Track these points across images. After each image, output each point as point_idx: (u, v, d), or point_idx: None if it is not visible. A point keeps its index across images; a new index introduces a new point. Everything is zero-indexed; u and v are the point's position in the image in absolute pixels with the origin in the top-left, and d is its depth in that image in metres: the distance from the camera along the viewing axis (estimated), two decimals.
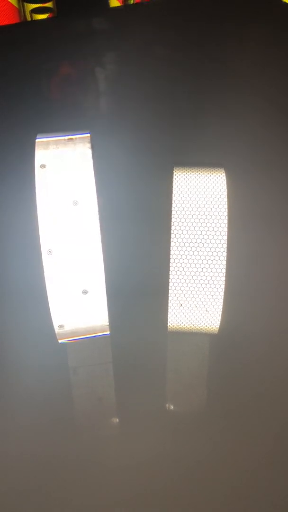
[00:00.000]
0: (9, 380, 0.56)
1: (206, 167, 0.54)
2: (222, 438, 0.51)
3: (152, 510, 0.46)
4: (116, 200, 0.77)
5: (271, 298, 0.65)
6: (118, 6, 1.51)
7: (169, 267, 0.52)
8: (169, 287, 0.52)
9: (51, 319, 0.52)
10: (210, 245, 0.51)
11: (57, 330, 0.53)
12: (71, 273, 0.50)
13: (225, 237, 0.51)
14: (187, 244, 0.51)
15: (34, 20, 1.41)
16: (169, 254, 0.52)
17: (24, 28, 1.38)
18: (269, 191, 0.82)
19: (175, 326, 0.55)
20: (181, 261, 0.51)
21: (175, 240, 0.51)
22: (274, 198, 0.80)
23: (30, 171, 0.50)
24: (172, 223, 0.51)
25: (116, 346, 0.59)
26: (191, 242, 0.51)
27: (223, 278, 0.51)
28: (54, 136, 0.51)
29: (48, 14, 1.41)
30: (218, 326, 0.54)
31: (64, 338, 0.55)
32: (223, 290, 0.52)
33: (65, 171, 0.49)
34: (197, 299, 0.52)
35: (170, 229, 0.51)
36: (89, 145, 0.50)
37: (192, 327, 0.55)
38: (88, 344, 0.57)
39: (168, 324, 0.55)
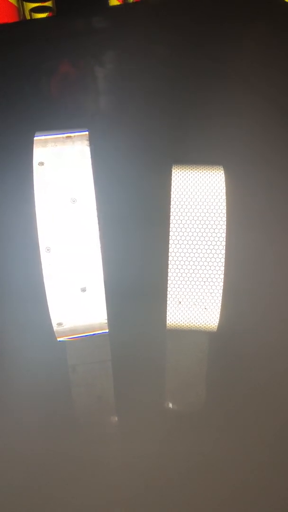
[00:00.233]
0: (8, 379, 0.56)
1: (205, 165, 0.54)
2: (221, 436, 0.51)
3: (151, 509, 0.46)
4: (114, 198, 0.77)
5: (270, 296, 0.65)
6: (117, 5, 1.51)
7: (167, 264, 0.52)
8: (168, 285, 0.52)
9: (49, 317, 0.52)
10: (209, 243, 0.51)
11: (56, 328, 0.53)
12: (70, 271, 0.50)
13: (224, 235, 0.51)
14: (185, 242, 0.51)
15: (34, 19, 1.41)
16: (168, 252, 0.52)
17: (23, 27, 1.38)
18: (268, 189, 0.82)
19: (174, 324, 0.55)
20: (179, 258, 0.51)
21: (173, 238, 0.51)
22: (272, 196, 0.80)
23: (28, 169, 0.50)
24: (170, 221, 0.51)
25: (115, 344, 0.59)
26: (190, 240, 0.51)
27: (222, 276, 0.51)
28: (52, 134, 0.51)
29: (48, 13, 1.40)
30: (217, 324, 0.54)
31: (63, 336, 0.55)
32: (222, 288, 0.52)
33: (63, 168, 0.49)
34: (195, 297, 0.52)
35: (169, 227, 0.51)
36: (87, 143, 0.50)
37: (191, 325, 0.55)
38: (87, 342, 0.57)
39: (167, 322, 0.55)
